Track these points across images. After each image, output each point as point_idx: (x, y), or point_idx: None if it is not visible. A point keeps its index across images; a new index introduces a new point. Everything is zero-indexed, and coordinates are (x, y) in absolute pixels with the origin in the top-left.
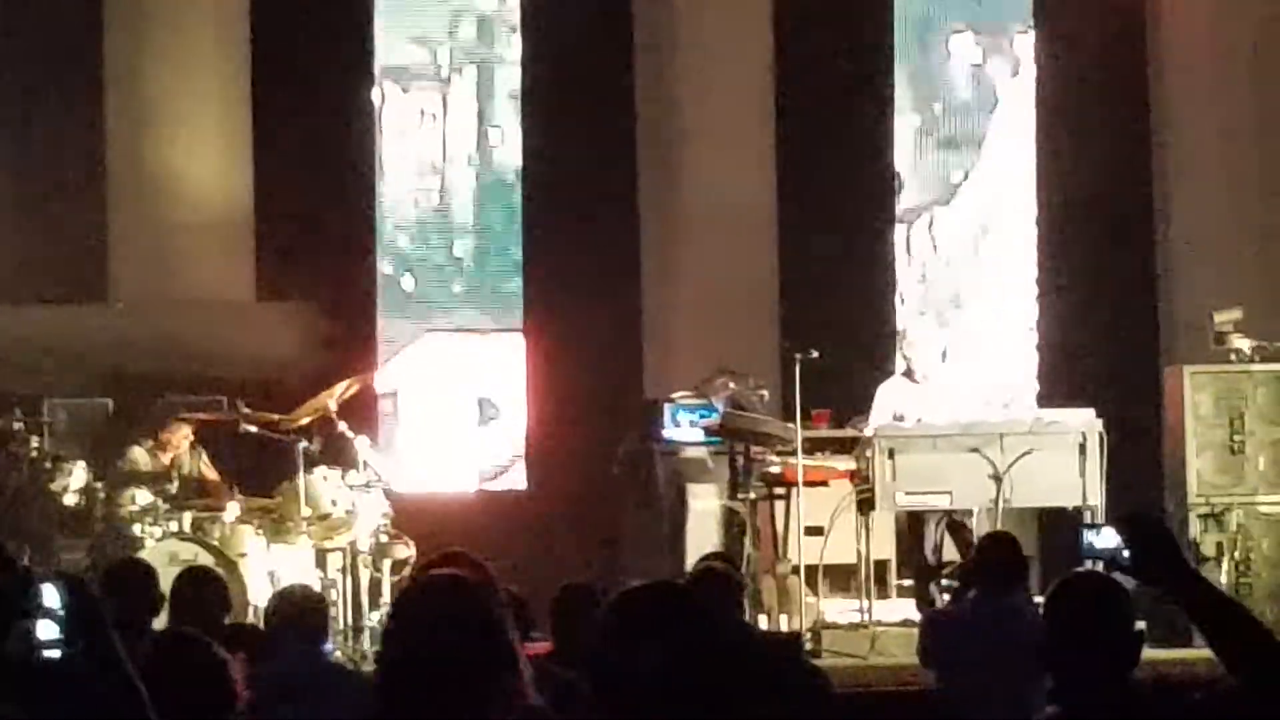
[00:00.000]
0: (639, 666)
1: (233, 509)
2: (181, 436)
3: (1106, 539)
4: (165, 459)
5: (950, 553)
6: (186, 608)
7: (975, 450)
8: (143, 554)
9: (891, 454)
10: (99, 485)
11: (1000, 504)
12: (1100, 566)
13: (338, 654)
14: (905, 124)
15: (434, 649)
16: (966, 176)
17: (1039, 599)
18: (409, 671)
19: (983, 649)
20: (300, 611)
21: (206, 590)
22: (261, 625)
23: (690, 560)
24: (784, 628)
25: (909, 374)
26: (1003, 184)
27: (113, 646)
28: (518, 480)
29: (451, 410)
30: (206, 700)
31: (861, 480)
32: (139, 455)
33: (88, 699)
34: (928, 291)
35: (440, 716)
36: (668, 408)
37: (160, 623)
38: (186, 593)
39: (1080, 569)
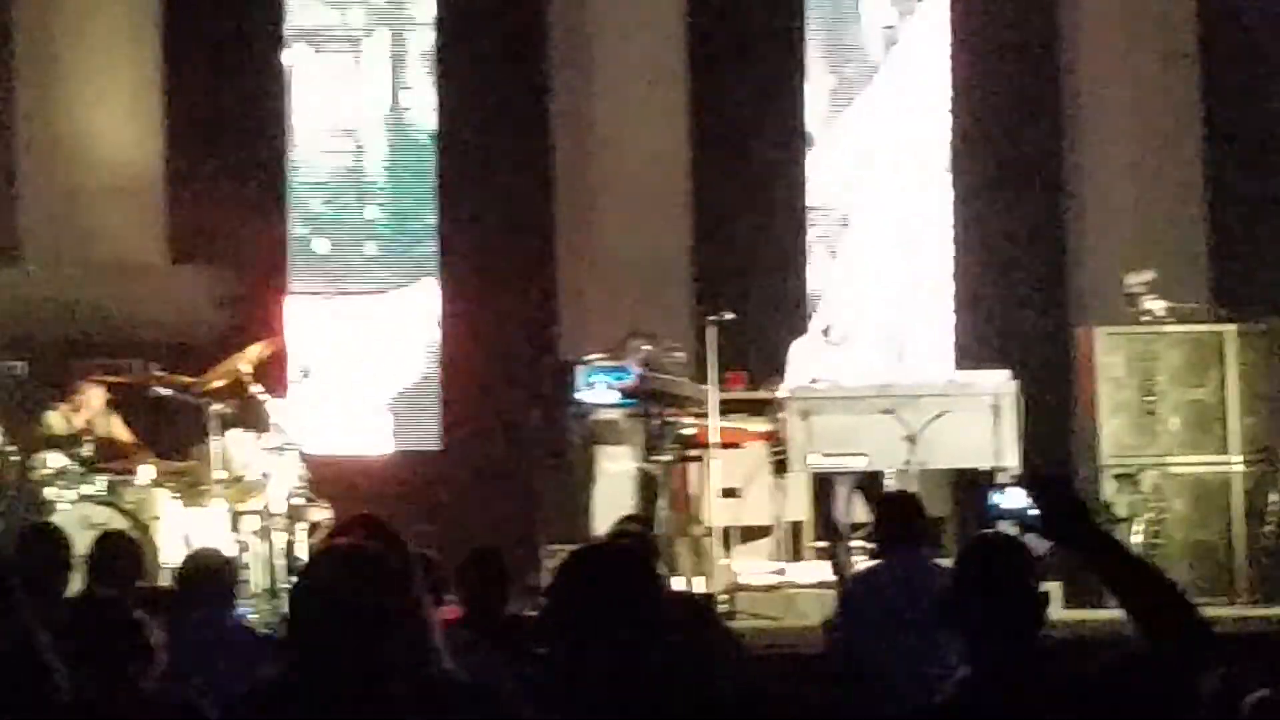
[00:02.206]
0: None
1: (146, 472)
2: (95, 398)
3: (1013, 499)
4: (79, 422)
5: (864, 515)
6: (103, 572)
7: (889, 412)
8: (56, 517)
9: (806, 415)
10: (12, 449)
11: (914, 466)
12: (1014, 527)
13: (253, 616)
14: (818, 86)
15: (333, 622)
16: (878, 139)
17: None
18: (314, 643)
19: (888, 611)
20: (209, 574)
21: (122, 554)
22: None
23: (602, 522)
24: (699, 590)
25: (825, 333)
26: (915, 145)
27: (18, 610)
28: (433, 442)
29: (366, 371)
30: (124, 661)
31: (776, 442)
32: (54, 419)
33: None
34: (841, 254)
35: (346, 686)
36: (582, 370)
37: (77, 586)
38: (102, 557)
39: (986, 530)
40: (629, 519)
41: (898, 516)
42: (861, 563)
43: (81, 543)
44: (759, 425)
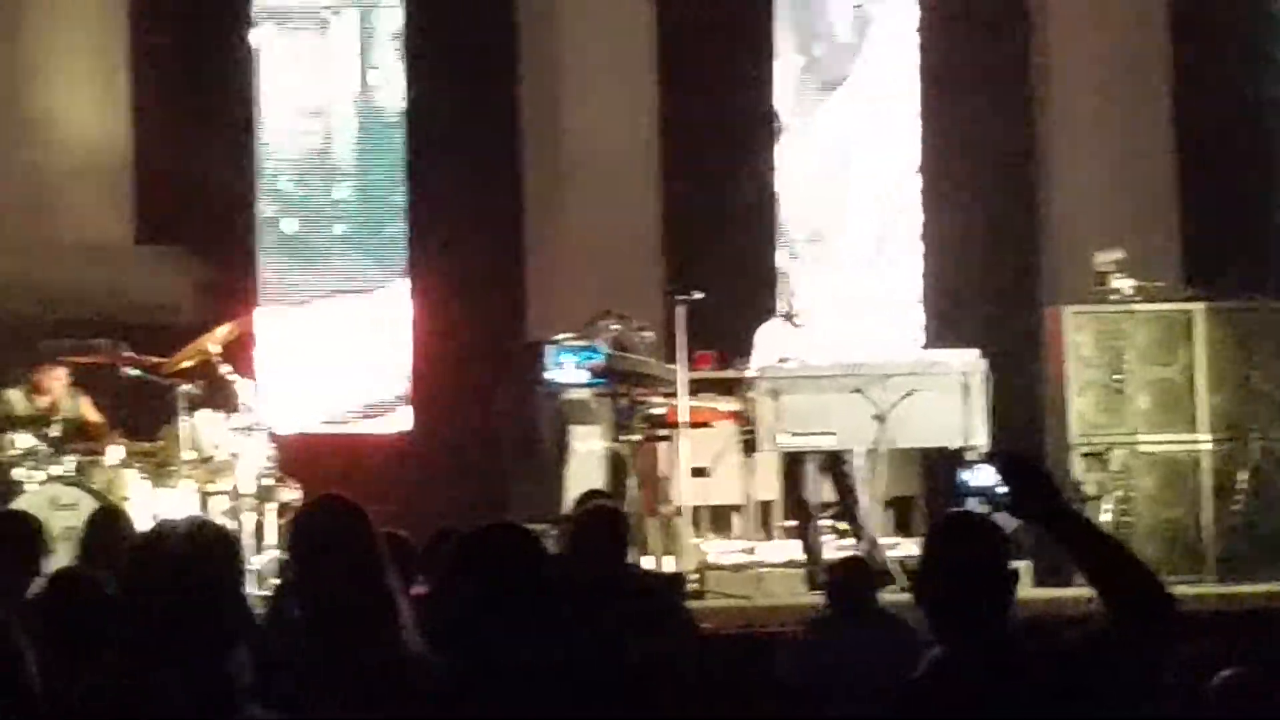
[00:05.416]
0: (470, 606)
1: (115, 453)
2: (57, 379)
3: (982, 477)
4: (43, 402)
5: (832, 494)
6: (96, 548)
7: (858, 391)
8: (24, 498)
9: (775, 395)
10: None
11: (883, 445)
12: (984, 505)
13: None
14: (787, 66)
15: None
16: (848, 119)
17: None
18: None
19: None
20: None
21: (117, 531)
22: None
23: (572, 502)
24: (669, 569)
25: (789, 317)
26: (884, 126)
27: None
28: (402, 422)
29: (336, 351)
30: (95, 640)
31: (745, 421)
32: (14, 398)
33: None
34: (807, 234)
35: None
36: (550, 350)
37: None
38: (96, 534)
39: (956, 508)
40: (593, 494)
41: (847, 580)
42: (830, 542)
43: (49, 523)
44: (728, 405)
